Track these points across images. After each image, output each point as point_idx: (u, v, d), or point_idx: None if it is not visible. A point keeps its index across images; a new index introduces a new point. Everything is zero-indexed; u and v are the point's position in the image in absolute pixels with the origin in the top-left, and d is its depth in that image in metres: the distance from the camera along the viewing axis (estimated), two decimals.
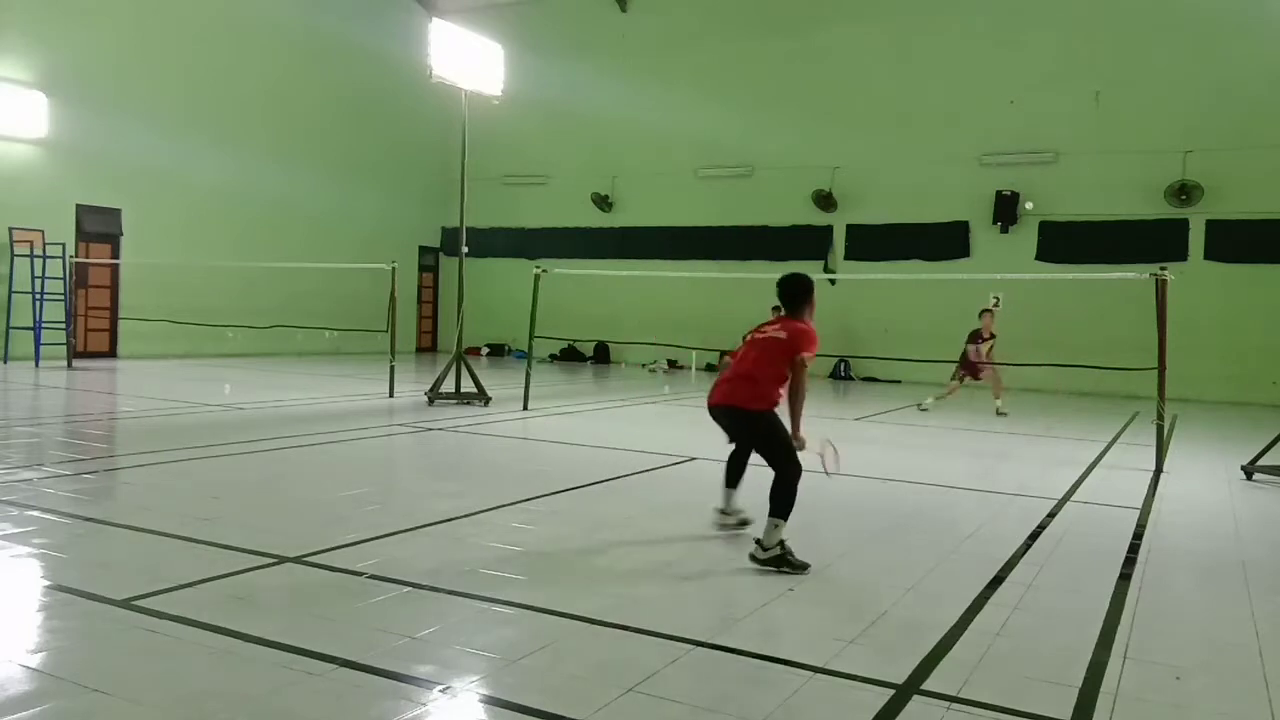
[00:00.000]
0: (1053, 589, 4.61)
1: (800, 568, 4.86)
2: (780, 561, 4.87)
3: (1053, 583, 4.72)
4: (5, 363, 15.76)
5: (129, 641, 3.50)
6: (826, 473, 5.44)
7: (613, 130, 22.11)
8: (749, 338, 5.49)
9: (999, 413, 12.92)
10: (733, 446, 5.67)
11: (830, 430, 9.53)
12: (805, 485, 7.24)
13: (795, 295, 5.43)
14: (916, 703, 3.18)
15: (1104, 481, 7.94)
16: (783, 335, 5.24)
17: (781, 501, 5.01)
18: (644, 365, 21.26)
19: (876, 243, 19.53)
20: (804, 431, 5.17)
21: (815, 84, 20.22)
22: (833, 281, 19.11)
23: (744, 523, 5.62)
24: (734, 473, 5.65)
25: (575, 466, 7.81)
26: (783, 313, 5.52)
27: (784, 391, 5.23)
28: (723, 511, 5.67)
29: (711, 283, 20.00)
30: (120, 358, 17.75)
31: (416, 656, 3.41)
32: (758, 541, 4.97)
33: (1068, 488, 7.50)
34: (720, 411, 5.37)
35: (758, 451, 5.35)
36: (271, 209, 20.00)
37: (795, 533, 5.83)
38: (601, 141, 22.38)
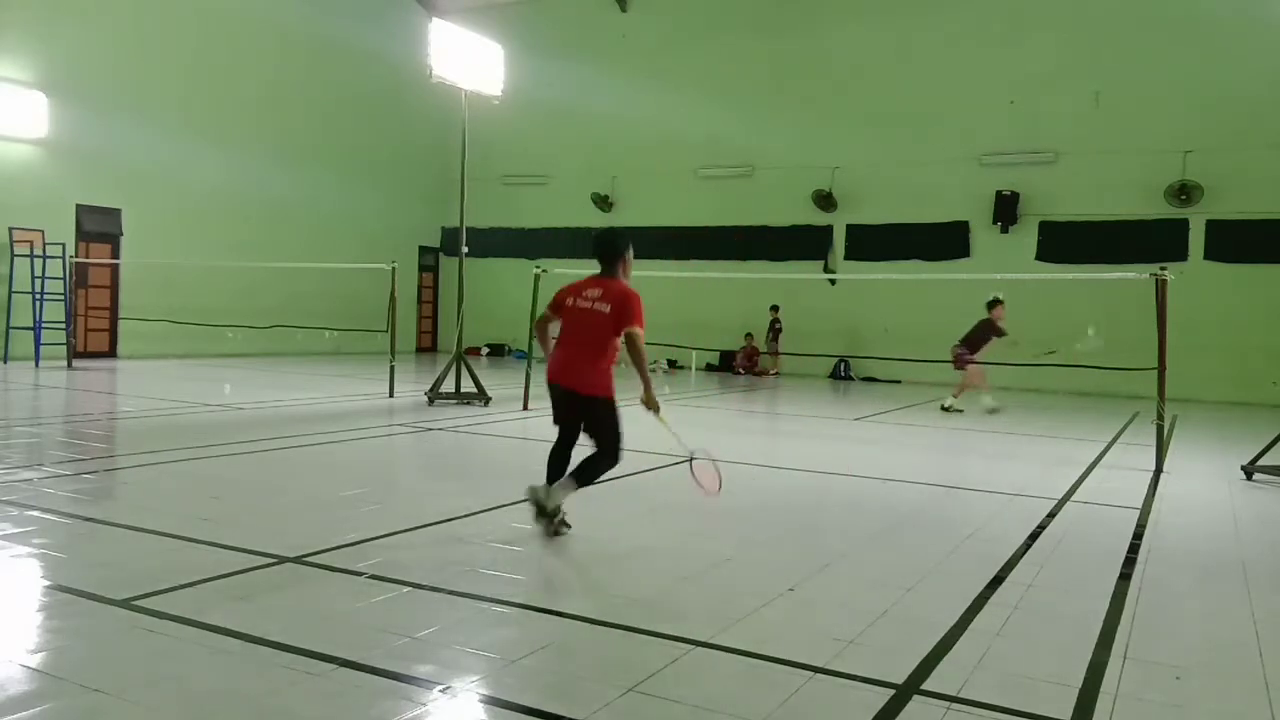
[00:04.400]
0: (1053, 589, 4.61)
1: (564, 530, 5.17)
2: (556, 519, 5.13)
3: (1053, 583, 4.72)
4: (5, 363, 15.76)
5: (129, 641, 3.50)
6: (703, 488, 5.35)
7: (613, 130, 22.11)
8: (570, 303, 5.31)
9: (945, 408, 13.19)
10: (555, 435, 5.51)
11: (831, 430, 9.58)
12: (805, 487, 7.23)
13: (611, 254, 5.33)
14: (916, 703, 3.18)
15: (1104, 481, 7.94)
16: (606, 309, 5.13)
17: (588, 475, 5.16)
18: None
19: (876, 243, 19.52)
20: (656, 396, 5.22)
21: (815, 84, 20.22)
22: (833, 282, 19.15)
23: (564, 524, 5.29)
24: (558, 467, 5.37)
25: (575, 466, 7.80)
26: (607, 274, 5.34)
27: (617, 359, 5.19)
28: (544, 508, 5.16)
29: (711, 283, 19.98)
30: (120, 358, 17.75)
31: (416, 656, 3.41)
32: (535, 488, 5.14)
33: (1068, 488, 7.50)
34: (560, 393, 5.31)
35: (587, 432, 5.26)
36: (271, 209, 19.99)
37: (796, 532, 5.86)
38: (601, 141, 22.38)
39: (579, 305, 5.25)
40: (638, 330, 5.09)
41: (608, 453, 5.19)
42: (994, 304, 13.24)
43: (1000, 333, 13.09)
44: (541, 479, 5.31)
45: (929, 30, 19.26)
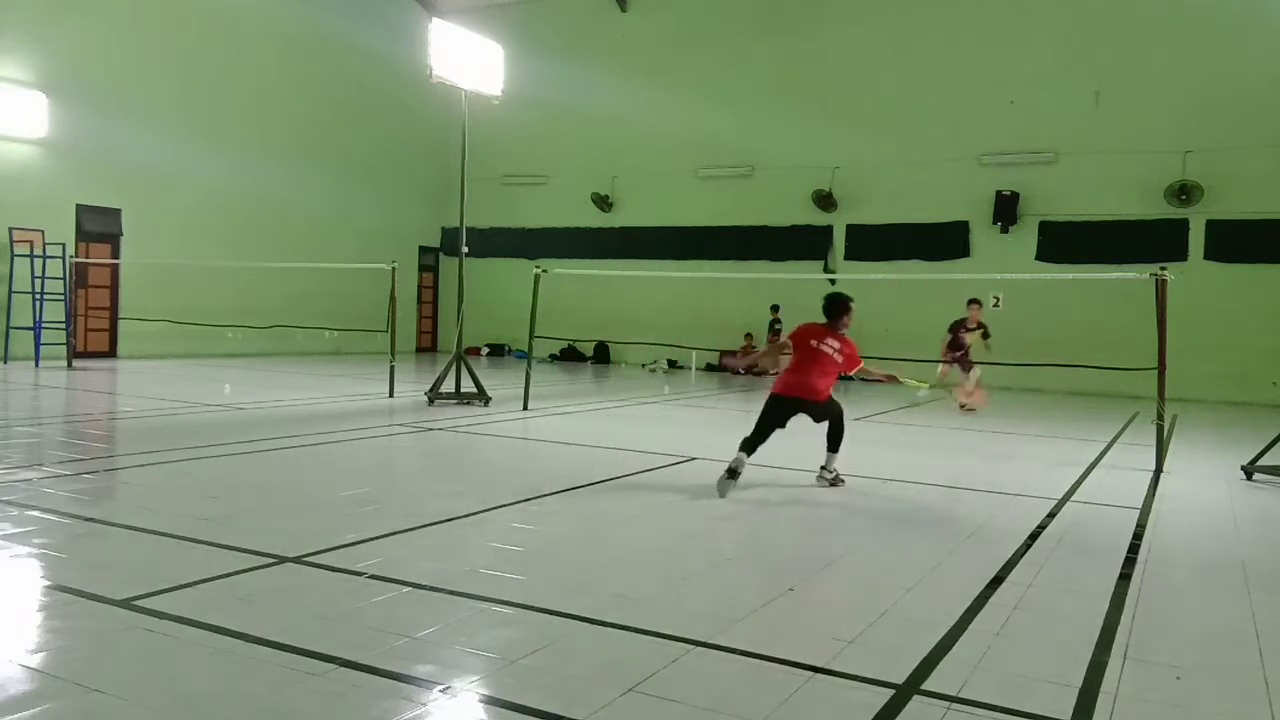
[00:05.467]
0: (1053, 589, 4.61)
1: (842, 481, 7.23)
2: (837, 480, 7.19)
3: (1053, 583, 4.72)
4: (5, 363, 15.76)
5: (129, 641, 3.50)
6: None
7: (613, 130, 22.11)
8: (814, 344, 7.24)
9: (963, 408, 13.16)
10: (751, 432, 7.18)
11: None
12: (804, 486, 7.25)
13: (841, 311, 7.38)
14: (916, 703, 3.18)
15: (1104, 481, 7.94)
16: (839, 359, 7.27)
17: (838, 439, 7.27)
18: (644, 365, 21.26)
19: (876, 243, 19.52)
20: (884, 372, 8.33)
21: (815, 84, 20.22)
22: (833, 282, 19.11)
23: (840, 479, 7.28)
24: (756, 445, 6.98)
25: (575, 466, 7.81)
26: (831, 325, 7.36)
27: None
28: (737, 470, 6.80)
29: (711, 283, 20.00)
30: (120, 358, 17.76)
31: (416, 656, 3.41)
32: (825, 469, 7.22)
33: (1068, 488, 7.50)
34: (794, 402, 7.18)
35: (825, 418, 7.27)
36: (271, 209, 20.00)
37: (795, 532, 5.86)
38: (601, 141, 22.38)
39: (822, 349, 7.24)
40: (862, 367, 7.51)
41: (839, 424, 7.30)
42: (971, 303, 13.46)
43: (965, 329, 13.33)
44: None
45: (929, 30, 19.26)
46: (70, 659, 3.31)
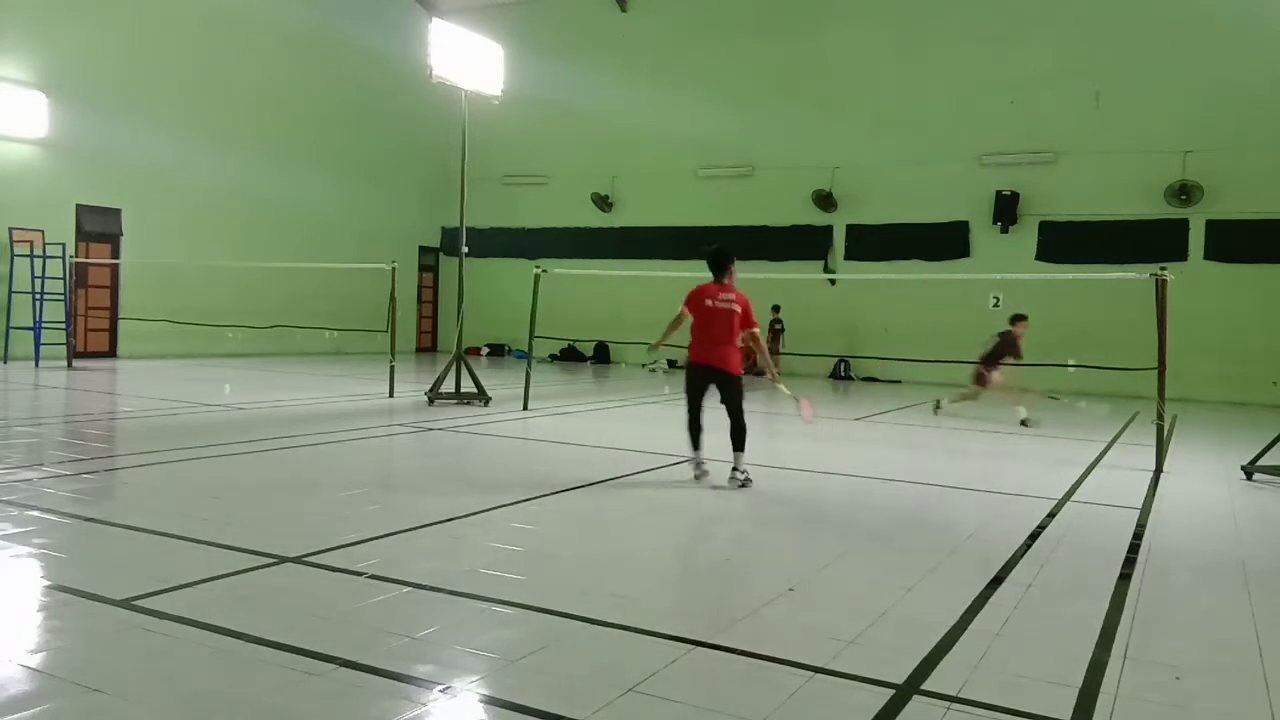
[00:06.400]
0: (1053, 589, 4.61)
1: (749, 484, 6.93)
2: (747, 481, 6.91)
3: (1053, 583, 4.72)
4: (5, 363, 15.76)
5: (129, 641, 3.50)
6: (806, 420, 8.15)
7: (613, 130, 22.11)
8: (709, 304, 7.07)
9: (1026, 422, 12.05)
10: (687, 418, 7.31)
11: (831, 430, 9.63)
12: (804, 486, 7.25)
13: (725, 264, 7.28)
14: (916, 703, 3.18)
15: (1104, 481, 7.94)
16: (738, 309, 7.11)
17: (742, 438, 7.00)
18: (644, 365, 21.25)
19: (876, 243, 19.53)
20: (772, 366, 7.56)
21: (815, 84, 20.22)
22: (833, 282, 19.14)
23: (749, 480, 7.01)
24: (699, 427, 7.22)
25: (575, 466, 7.81)
26: (720, 280, 7.23)
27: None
28: (701, 464, 7.15)
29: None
30: (120, 358, 17.75)
31: (416, 656, 3.41)
32: (736, 470, 6.91)
33: (1068, 488, 7.50)
34: (710, 371, 7.06)
35: (729, 403, 7.02)
36: (271, 209, 19.99)
37: (795, 532, 5.86)
38: (601, 141, 22.38)
39: (717, 306, 7.08)
40: (757, 330, 7.29)
41: (741, 419, 7.03)
42: (1018, 319, 12.40)
43: (1018, 353, 12.23)
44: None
45: (929, 30, 19.26)
46: (70, 659, 3.31)
